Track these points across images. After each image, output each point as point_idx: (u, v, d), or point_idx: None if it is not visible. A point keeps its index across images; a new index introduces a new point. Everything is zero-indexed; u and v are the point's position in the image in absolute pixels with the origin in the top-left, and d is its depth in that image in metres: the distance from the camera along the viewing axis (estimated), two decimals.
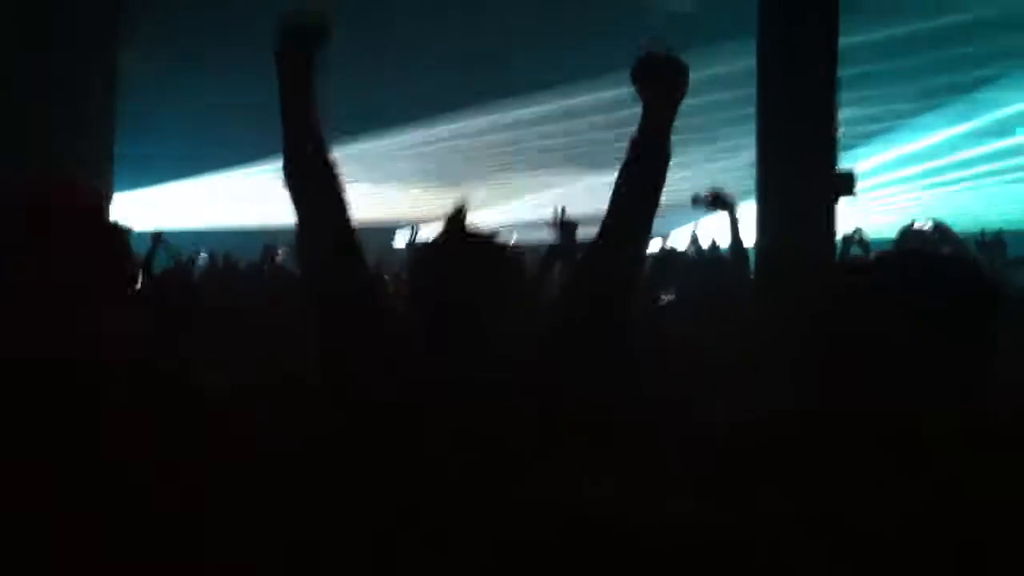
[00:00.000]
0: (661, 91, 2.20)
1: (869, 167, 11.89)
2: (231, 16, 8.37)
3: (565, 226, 4.99)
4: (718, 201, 4.77)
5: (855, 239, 7.16)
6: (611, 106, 9.49)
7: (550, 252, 4.55)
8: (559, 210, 4.96)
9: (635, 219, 2.21)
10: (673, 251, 6.65)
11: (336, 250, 2.15)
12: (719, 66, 7.74)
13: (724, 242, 6.03)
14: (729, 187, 4.98)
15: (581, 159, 12.80)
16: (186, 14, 8.61)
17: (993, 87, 10.39)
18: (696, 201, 4.96)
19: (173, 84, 10.04)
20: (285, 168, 2.15)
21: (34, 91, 6.04)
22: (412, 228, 8.15)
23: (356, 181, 13.04)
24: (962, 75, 9.92)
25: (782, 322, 3.54)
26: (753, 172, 4.33)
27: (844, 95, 4.29)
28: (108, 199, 6.55)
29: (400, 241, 12.57)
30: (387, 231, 13.34)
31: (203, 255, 7.70)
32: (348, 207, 2.15)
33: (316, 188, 2.14)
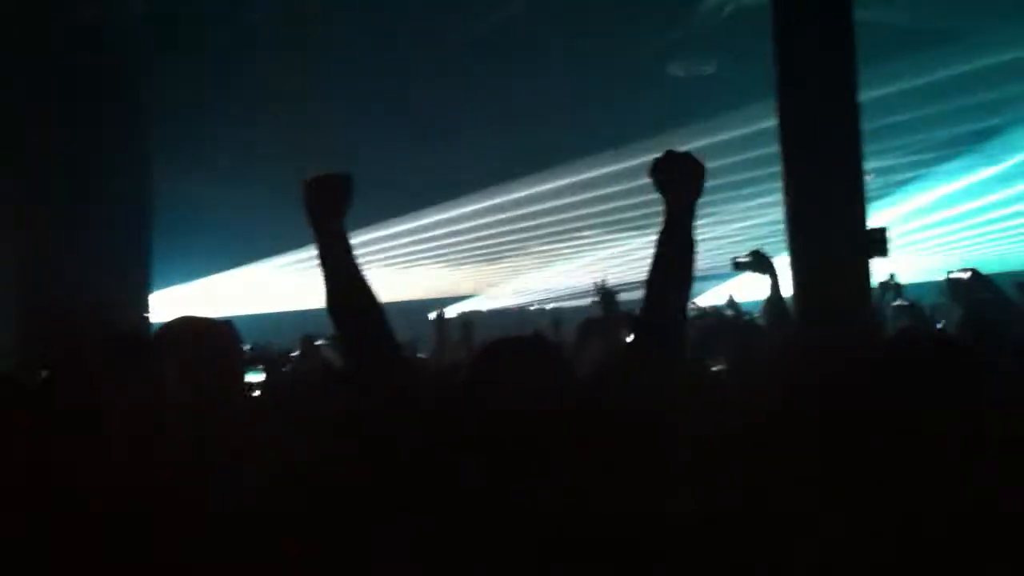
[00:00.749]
0: (679, 187, 2.32)
1: (902, 213, 11.88)
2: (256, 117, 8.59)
3: (605, 296, 5.05)
4: (760, 262, 4.81)
5: (890, 285, 7.18)
6: (637, 173, 9.59)
7: (587, 323, 4.59)
8: (600, 281, 5.03)
9: (671, 307, 2.33)
10: (714, 312, 6.63)
11: (376, 355, 2.38)
12: (742, 127, 7.80)
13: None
14: (761, 246, 5.01)
15: (612, 225, 12.87)
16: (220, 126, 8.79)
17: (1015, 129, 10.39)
18: (738, 265, 5.01)
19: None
20: (329, 307, 2.40)
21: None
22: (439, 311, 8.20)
23: (387, 262, 13.14)
24: (983, 121, 9.94)
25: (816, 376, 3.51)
26: (782, 229, 4.34)
27: (870, 147, 4.30)
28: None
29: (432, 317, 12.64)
30: (419, 309, 13.43)
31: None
32: (385, 322, 2.38)
33: (356, 319, 2.37)
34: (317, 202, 2.39)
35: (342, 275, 2.39)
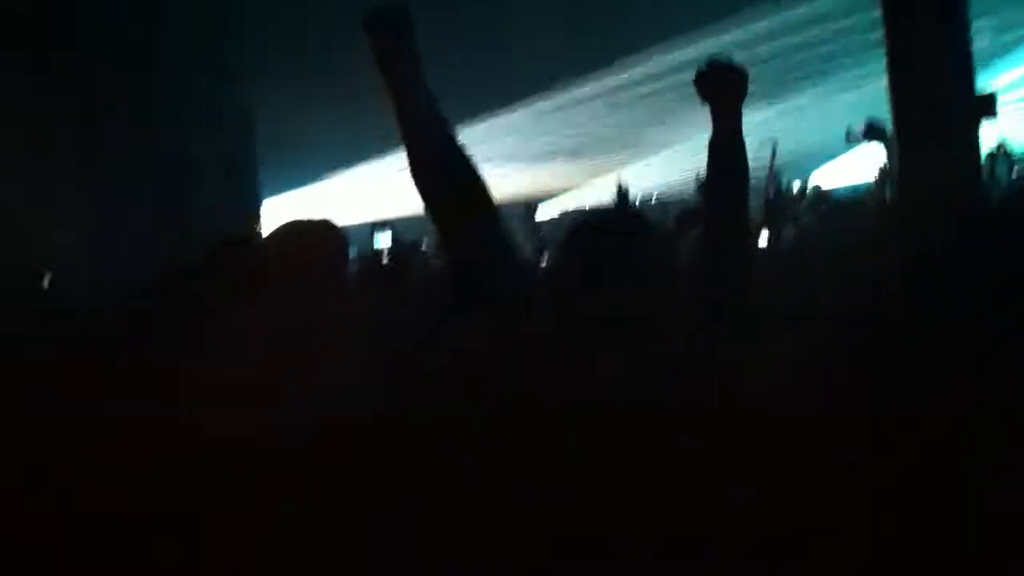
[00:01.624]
0: (724, 98, 2.32)
1: (1011, 80, 11.40)
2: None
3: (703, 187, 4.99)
4: (873, 132, 4.70)
5: (1000, 153, 6.93)
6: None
7: (683, 215, 4.57)
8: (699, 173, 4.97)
9: (729, 216, 2.32)
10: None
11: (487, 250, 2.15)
12: None
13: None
14: (857, 122, 4.89)
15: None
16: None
17: None
18: (850, 136, 4.91)
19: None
20: (417, 180, 2.15)
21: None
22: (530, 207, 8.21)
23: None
24: None
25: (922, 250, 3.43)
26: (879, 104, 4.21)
27: (978, 7, 4.13)
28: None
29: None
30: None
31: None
32: (483, 186, 2.15)
33: (446, 179, 2.13)
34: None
35: (429, 133, 2.13)
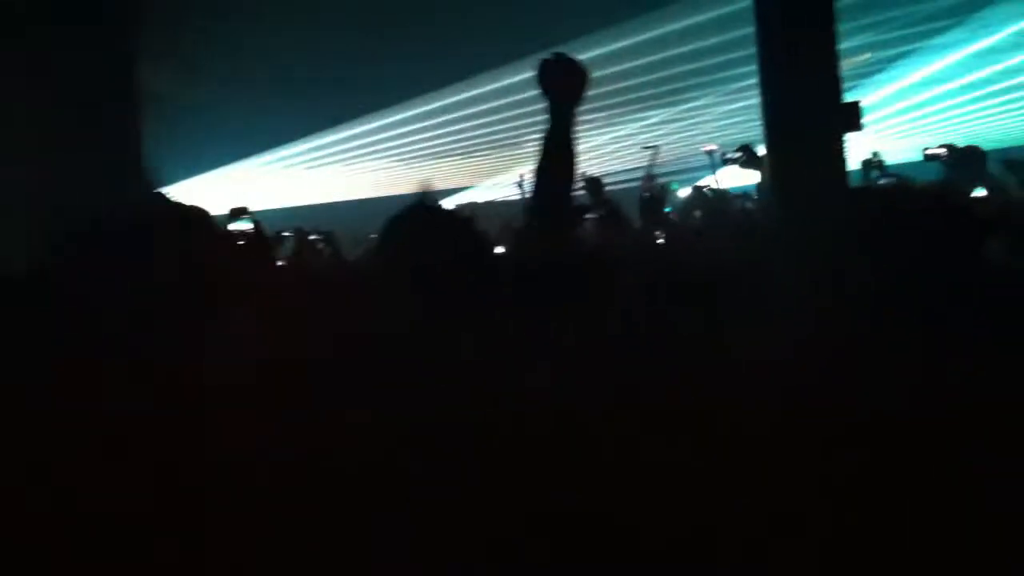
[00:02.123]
0: (563, 92, 2.42)
1: (885, 95, 11.84)
2: None
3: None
4: (750, 157, 4.93)
5: (874, 163, 7.22)
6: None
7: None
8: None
9: (553, 207, 2.50)
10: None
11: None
12: (719, 8, 7.74)
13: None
14: (737, 130, 5.09)
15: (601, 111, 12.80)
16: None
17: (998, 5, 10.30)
18: (728, 160, 5.14)
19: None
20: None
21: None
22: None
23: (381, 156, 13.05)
24: None
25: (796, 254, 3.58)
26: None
27: (848, 25, 4.31)
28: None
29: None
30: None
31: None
32: None
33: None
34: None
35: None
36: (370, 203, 15.25)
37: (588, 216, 4.33)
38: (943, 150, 5.31)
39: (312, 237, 6.90)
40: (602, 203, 4.86)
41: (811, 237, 3.84)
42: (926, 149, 5.40)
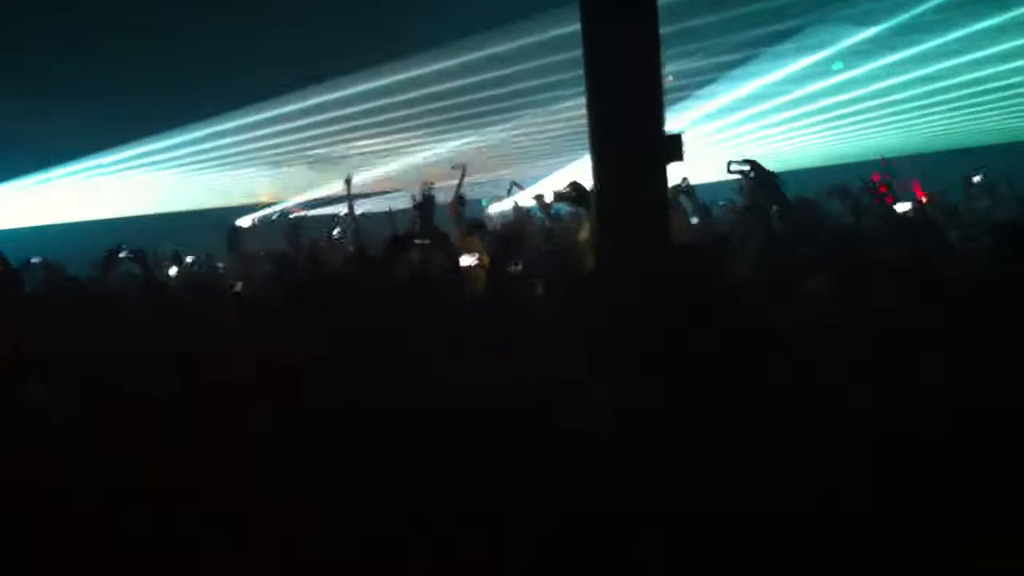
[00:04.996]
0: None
1: (695, 118, 12.27)
2: None
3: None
4: (582, 196, 5.05)
5: (682, 188, 7.49)
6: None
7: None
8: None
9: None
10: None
11: None
12: (542, 33, 7.87)
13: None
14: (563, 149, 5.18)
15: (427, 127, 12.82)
16: None
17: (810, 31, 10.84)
18: (559, 196, 5.27)
19: None
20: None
21: None
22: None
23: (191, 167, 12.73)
24: (774, 24, 10.33)
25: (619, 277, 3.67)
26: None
27: (670, 51, 4.43)
28: None
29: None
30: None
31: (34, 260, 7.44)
32: None
33: None
34: None
35: None
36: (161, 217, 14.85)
37: (417, 243, 4.33)
38: (747, 166, 5.54)
39: (123, 255, 6.70)
40: (431, 230, 4.87)
41: (628, 253, 3.99)
42: (731, 162, 5.59)
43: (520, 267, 4.39)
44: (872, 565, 2.09)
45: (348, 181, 10.65)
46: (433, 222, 5.19)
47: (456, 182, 8.00)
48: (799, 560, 2.10)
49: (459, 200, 7.11)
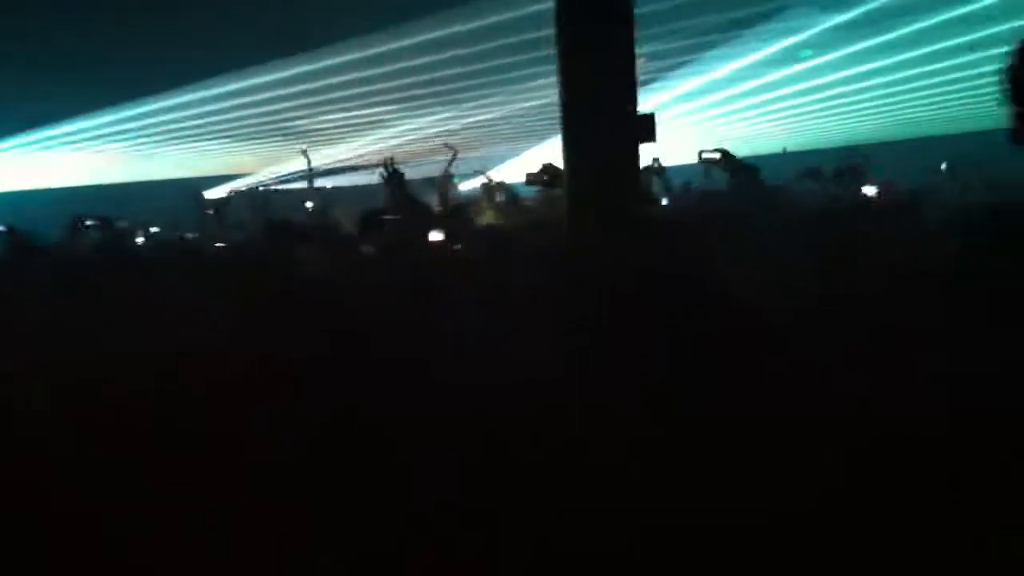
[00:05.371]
0: None
1: (670, 99, 12.29)
2: None
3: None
4: (554, 176, 5.05)
5: (654, 169, 7.52)
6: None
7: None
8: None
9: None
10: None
11: None
12: (518, 9, 7.87)
13: None
14: (534, 127, 5.19)
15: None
16: None
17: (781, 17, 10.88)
18: (529, 178, 5.28)
19: None
20: None
21: None
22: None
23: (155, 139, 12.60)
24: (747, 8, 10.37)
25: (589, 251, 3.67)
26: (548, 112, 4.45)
27: (644, 32, 4.43)
28: None
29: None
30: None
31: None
32: None
33: None
34: None
35: None
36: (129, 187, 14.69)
37: (387, 218, 4.34)
38: (717, 155, 5.57)
39: (88, 223, 6.86)
40: (405, 202, 4.86)
41: (602, 235, 4.00)
42: (702, 152, 5.62)
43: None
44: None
45: (305, 153, 10.65)
46: (402, 196, 5.17)
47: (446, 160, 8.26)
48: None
49: (448, 178, 7.30)
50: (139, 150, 14.29)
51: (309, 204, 9.88)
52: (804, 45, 11.69)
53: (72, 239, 6.74)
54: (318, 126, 13.99)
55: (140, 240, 8.29)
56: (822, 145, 12.69)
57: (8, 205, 10.87)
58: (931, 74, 12.58)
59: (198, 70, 10.91)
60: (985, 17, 10.35)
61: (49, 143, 13.05)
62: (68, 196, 12.83)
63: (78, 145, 13.30)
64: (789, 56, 11.98)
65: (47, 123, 12.22)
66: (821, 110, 14.33)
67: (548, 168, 5.12)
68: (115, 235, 6.97)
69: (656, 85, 11.78)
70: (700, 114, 13.66)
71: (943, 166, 9.19)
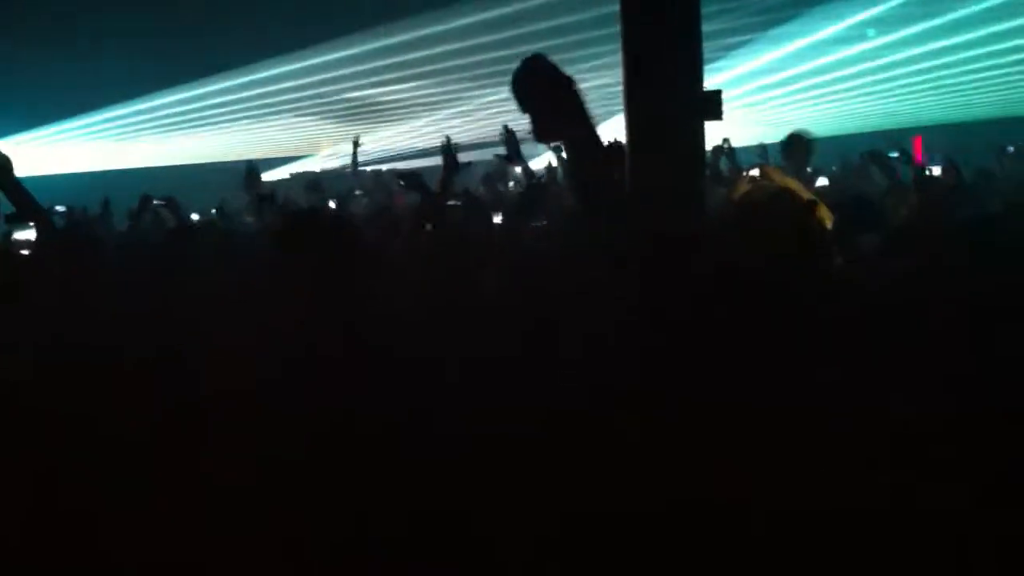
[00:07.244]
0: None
1: (733, 78, 12.09)
2: None
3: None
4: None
5: (724, 149, 7.36)
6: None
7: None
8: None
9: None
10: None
11: None
12: None
13: None
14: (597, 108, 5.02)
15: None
16: None
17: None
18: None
19: None
20: None
21: None
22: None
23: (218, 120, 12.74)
24: None
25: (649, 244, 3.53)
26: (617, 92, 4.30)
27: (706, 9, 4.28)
28: None
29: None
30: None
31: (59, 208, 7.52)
32: None
33: None
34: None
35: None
36: (194, 169, 14.77)
37: (449, 204, 4.20)
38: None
39: (156, 202, 6.92)
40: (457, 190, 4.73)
41: (663, 222, 3.85)
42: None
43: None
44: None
45: (356, 143, 10.60)
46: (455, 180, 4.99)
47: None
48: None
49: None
50: (198, 132, 14.39)
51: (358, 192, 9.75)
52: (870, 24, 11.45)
53: (140, 223, 6.68)
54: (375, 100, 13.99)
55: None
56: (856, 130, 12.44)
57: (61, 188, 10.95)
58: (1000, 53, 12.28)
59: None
60: None
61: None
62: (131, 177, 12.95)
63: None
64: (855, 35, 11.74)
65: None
66: (886, 90, 14.05)
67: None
68: (179, 215, 6.92)
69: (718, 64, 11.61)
70: (760, 95, 13.44)
71: (1010, 148, 8.93)
